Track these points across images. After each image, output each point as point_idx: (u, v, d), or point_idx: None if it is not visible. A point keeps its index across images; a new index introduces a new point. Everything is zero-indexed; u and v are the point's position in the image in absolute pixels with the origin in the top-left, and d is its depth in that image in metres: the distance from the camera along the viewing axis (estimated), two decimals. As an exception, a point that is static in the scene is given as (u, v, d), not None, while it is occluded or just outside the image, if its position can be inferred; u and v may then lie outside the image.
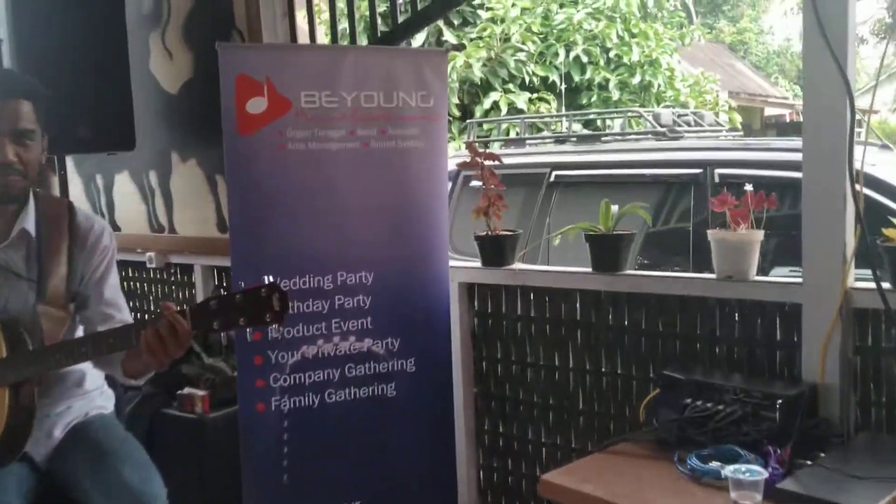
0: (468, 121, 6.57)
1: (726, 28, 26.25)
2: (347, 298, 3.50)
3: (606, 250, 3.56)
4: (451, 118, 8.73)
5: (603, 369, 3.63)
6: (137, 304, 5.48)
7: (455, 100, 8.52)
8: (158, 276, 5.35)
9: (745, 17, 27.06)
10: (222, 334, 4.17)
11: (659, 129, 6.35)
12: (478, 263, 4.01)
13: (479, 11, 9.05)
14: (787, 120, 19.21)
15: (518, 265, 3.96)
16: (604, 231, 3.60)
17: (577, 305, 3.75)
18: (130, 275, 5.46)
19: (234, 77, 3.25)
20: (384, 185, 3.54)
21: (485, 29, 8.72)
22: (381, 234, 3.54)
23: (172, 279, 5.24)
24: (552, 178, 6.42)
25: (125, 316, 2.64)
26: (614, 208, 3.63)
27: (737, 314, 3.21)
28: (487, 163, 3.89)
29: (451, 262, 3.89)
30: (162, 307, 2.13)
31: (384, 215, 3.54)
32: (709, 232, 3.20)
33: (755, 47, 26.47)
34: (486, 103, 8.47)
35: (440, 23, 9.09)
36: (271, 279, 2.08)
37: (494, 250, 3.91)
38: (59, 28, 4.23)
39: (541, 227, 6.00)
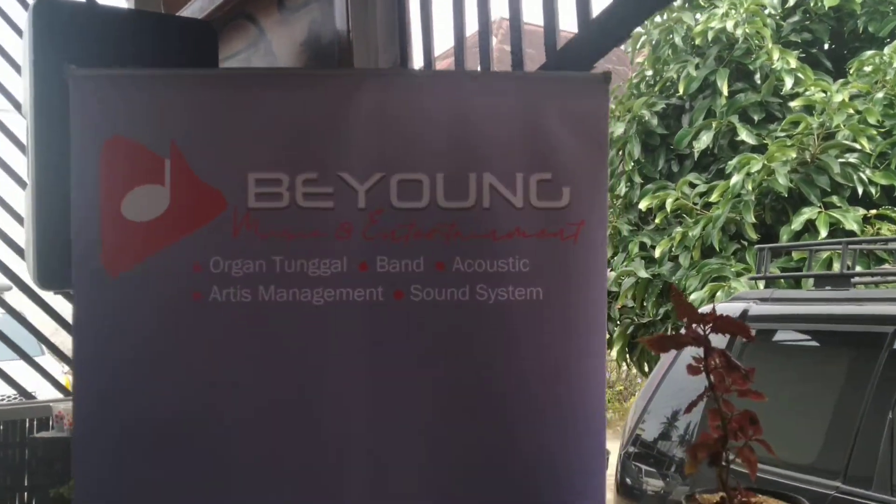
0: (758, 246, 4.21)
1: None
2: None
3: None
4: (745, 243, 6.30)
5: None
6: None
7: (750, 217, 6.10)
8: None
9: None
10: None
11: None
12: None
13: (791, 103, 6.65)
14: None
15: None
16: None
17: None
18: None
19: (101, 143, 1.46)
20: (439, 395, 1.49)
21: (796, 122, 6.30)
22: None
23: None
24: (901, 343, 3.74)
25: None
26: None
27: None
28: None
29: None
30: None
31: (434, 468, 1.48)
32: None
33: None
34: (797, 223, 5.94)
35: (734, 119, 6.80)
36: None
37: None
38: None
39: (874, 435, 3.42)
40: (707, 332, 1.69)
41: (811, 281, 4.64)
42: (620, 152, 7.00)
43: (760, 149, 6.46)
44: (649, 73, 7.49)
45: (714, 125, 6.69)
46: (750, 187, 6.01)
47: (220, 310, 1.46)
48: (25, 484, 3.94)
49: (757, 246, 4.43)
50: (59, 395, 4.15)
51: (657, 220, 6.70)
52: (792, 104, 6.40)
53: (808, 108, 6.27)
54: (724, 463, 1.68)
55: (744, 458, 1.68)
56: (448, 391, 1.49)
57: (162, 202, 1.46)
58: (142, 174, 1.46)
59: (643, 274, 6.54)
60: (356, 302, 1.48)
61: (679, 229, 6.47)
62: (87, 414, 1.46)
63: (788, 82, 6.57)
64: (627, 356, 7.17)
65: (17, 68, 3.89)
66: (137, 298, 1.47)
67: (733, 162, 6.24)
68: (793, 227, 5.91)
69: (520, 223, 1.50)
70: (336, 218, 1.48)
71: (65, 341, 4.38)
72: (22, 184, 3.86)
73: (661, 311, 6.78)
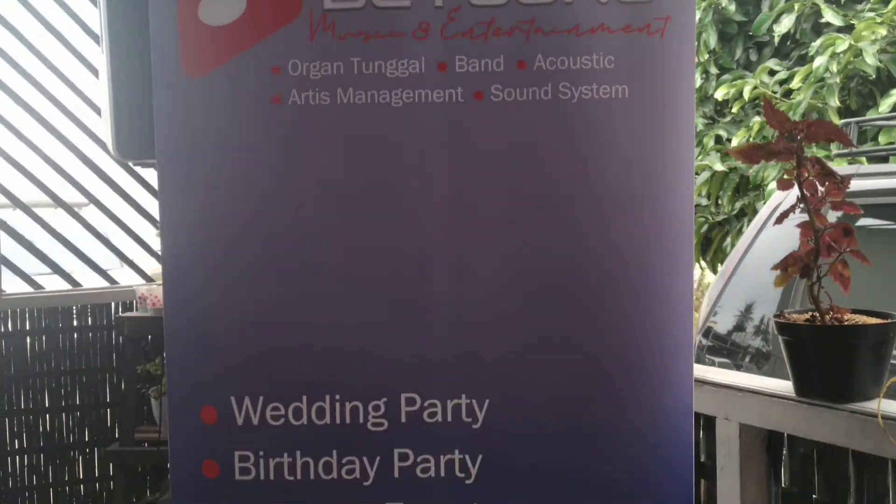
0: (845, 120, 4.02)
1: None
2: (423, 457, 1.48)
3: None
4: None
5: None
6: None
7: (834, 101, 5.83)
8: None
9: None
10: None
11: None
12: (783, 386, 1.74)
13: (881, -21, 6.24)
14: None
15: (892, 404, 1.60)
16: None
17: None
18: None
19: (176, -54, 1.45)
20: (522, 197, 1.47)
21: (886, -1, 5.93)
22: (507, 308, 1.47)
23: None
24: None
25: None
26: None
27: None
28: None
29: (713, 375, 1.71)
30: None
31: (516, 270, 1.47)
32: None
33: None
34: (885, 106, 5.66)
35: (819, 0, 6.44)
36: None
37: (827, 363, 1.61)
38: None
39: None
40: (800, 141, 1.63)
41: (901, 159, 4.42)
42: (695, 43, 6.73)
43: (847, 30, 6.12)
44: (728, -44, 7.12)
45: (796, 7, 6.35)
46: (835, 69, 5.73)
47: (300, 113, 1.45)
48: (114, 364, 4.10)
49: (843, 120, 4.22)
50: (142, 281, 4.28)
51: (734, 110, 6.46)
52: (883, -20, 6.02)
53: (901, -17, 5.89)
54: (815, 277, 1.63)
55: (835, 273, 1.63)
56: (528, 190, 1.46)
57: (238, 5, 1.45)
58: (216, -23, 1.45)
59: (719, 167, 6.34)
60: (435, 103, 1.45)
61: (757, 119, 6.23)
62: (172, 209, 1.48)
63: (879, -43, 6.17)
64: (702, 257, 7.03)
65: None
66: (218, 101, 1.47)
67: (817, 43, 5.94)
68: (880, 109, 5.64)
69: (604, 18, 1.44)
70: (413, 17, 1.45)
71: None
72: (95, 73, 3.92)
73: (738, 205, 6.59)
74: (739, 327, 3.84)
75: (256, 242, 1.47)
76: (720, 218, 6.70)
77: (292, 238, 1.47)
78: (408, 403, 1.48)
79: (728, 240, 6.74)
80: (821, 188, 1.62)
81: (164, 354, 1.50)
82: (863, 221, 3.89)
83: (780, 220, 1.63)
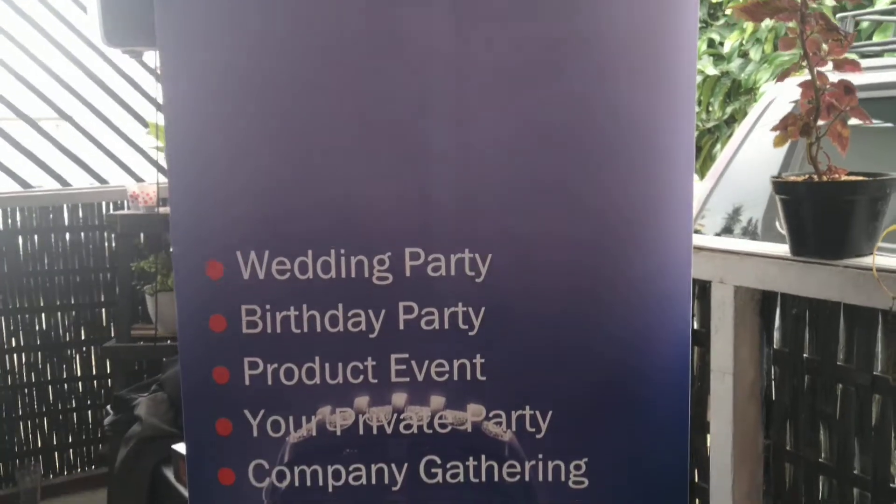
0: (841, 14, 3.97)
1: None
2: (427, 310, 1.51)
3: None
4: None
5: None
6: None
7: (830, 0, 5.76)
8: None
9: None
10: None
11: None
12: (778, 248, 1.76)
13: None
14: None
15: (884, 258, 1.64)
16: None
17: None
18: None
19: None
20: (523, 52, 1.48)
21: None
22: (508, 164, 1.48)
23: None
24: None
25: None
26: None
27: None
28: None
29: (709, 242, 1.73)
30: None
31: (517, 126, 1.48)
32: None
33: None
34: (881, 4, 5.60)
35: None
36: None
37: (823, 219, 1.64)
38: None
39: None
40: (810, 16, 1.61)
41: None
42: None
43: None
44: None
45: None
46: (830, -33, 5.64)
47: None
48: (107, 264, 4.10)
49: (840, 14, 4.17)
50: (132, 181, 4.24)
51: (728, 12, 6.37)
52: None
53: None
54: (814, 137, 1.63)
55: (834, 133, 1.64)
56: (530, 46, 1.45)
57: None
58: None
59: (711, 71, 6.28)
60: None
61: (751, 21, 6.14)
62: (175, 65, 1.46)
63: None
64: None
65: None
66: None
67: (814, -59, 5.83)
68: (876, 8, 5.58)
69: None
70: None
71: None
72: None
73: (728, 110, 6.55)
74: (727, 229, 3.86)
75: (257, 96, 1.46)
76: (710, 125, 6.67)
77: (293, 91, 1.46)
78: (412, 258, 1.50)
79: (718, 146, 6.72)
80: (824, 46, 1.61)
81: (169, 211, 1.50)
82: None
83: (780, 77, 1.63)
